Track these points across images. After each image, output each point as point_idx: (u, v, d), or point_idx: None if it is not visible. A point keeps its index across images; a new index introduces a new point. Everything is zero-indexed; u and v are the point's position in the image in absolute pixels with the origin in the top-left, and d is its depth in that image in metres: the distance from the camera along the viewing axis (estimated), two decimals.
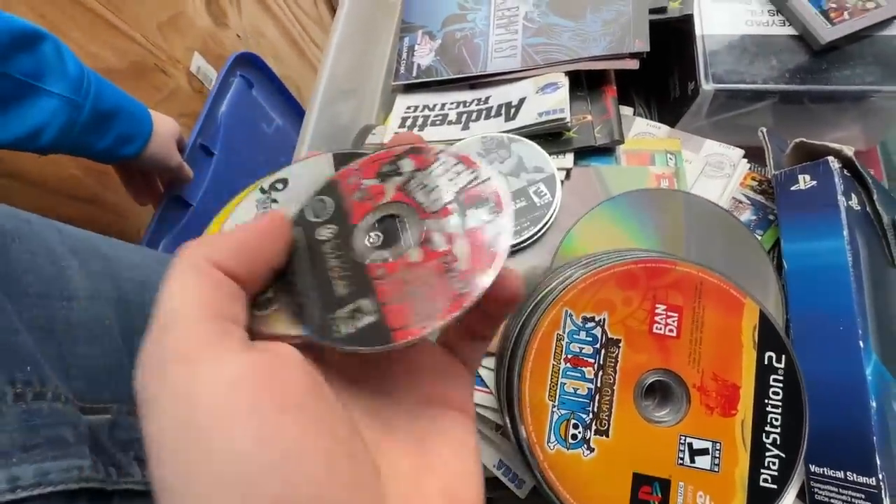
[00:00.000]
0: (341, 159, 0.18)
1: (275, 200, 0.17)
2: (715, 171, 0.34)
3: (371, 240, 0.16)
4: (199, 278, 0.13)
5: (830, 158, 0.29)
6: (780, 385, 0.23)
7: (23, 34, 0.39)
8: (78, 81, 0.42)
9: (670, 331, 0.24)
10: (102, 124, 0.44)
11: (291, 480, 0.11)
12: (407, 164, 0.18)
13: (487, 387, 0.29)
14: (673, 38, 0.39)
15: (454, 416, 0.16)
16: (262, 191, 0.18)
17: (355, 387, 0.16)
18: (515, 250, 0.30)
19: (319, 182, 0.17)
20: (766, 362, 0.24)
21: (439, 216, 0.16)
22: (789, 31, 0.37)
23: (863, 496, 0.23)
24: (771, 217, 0.33)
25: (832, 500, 0.25)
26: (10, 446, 0.23)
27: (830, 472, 0.25)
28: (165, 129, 0.53)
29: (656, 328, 0.24)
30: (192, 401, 0.11)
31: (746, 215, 0.34)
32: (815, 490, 0.25)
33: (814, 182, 0.29)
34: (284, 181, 0.17)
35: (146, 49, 0.71)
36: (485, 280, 0.14)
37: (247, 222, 0.15)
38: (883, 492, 0.23)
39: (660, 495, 0.22)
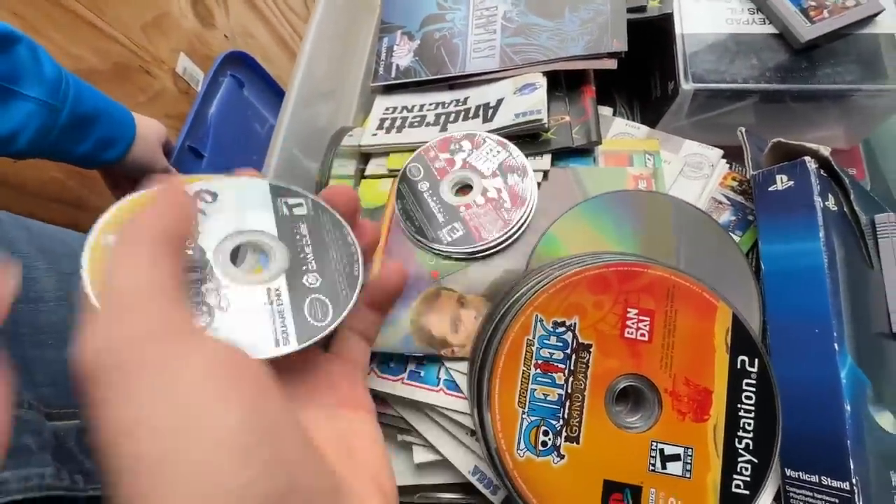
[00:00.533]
0: (276, 191, 0.18)
1: (202, 211, 0.16)
2: (694, 171, 0.34)
3: (454, 191, 0.32)
4: (153, 251, 0.13)
5: (807, 158, 0.28)
6: (753, 389, 0.23)
7: None
8: (55, 84, 0.41)
9: (642, 335, 0.23)
10: (81, 128, 0.44)
11: (279, 446, 0.12)
12: (466, 145, 0.32)
13: (461, 391, 0.28)
14: (653, 37, 0.38)
15: (364, 416, 0.18)
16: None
17: (286, 390, 0.16)
18: (489, 254, 0.30)
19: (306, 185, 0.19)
20: (738, 366, 0.23)
21: (491, 178, 0.31)
22: (770, 29, 0.36)
23: (836, 500, 0.23)
24: (750, 218, 0.33)
25: None
26: None
27: (805, 476, 0.25)
28: (150, 132, 0.53)
29: (628, 332, 0.23)
30: (176, 378, 0.11)
31: (726, 216, 0.33)
32: (791, 494, 0.25)
33: (791, 182, 0.29)
34: (214, 195, 0.17)
35: (130, 50, 0.70)
36: (518, 214, 0.28)
37: (156, 192, 0.14)
38: (856, 496, 0.23)
39: (631, 502, 0.22)
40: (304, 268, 0.17)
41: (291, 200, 0.18)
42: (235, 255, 0.17)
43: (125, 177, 0.56)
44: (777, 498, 0.26)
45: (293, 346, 0.15)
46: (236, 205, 0.17)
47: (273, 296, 0.16)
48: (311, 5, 1.25)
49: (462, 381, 0.28)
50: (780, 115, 0.39)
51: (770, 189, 0.30)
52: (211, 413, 0.11)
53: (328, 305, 0.16)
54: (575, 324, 0.23)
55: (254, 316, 0.15)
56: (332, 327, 0.17)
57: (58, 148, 0.44)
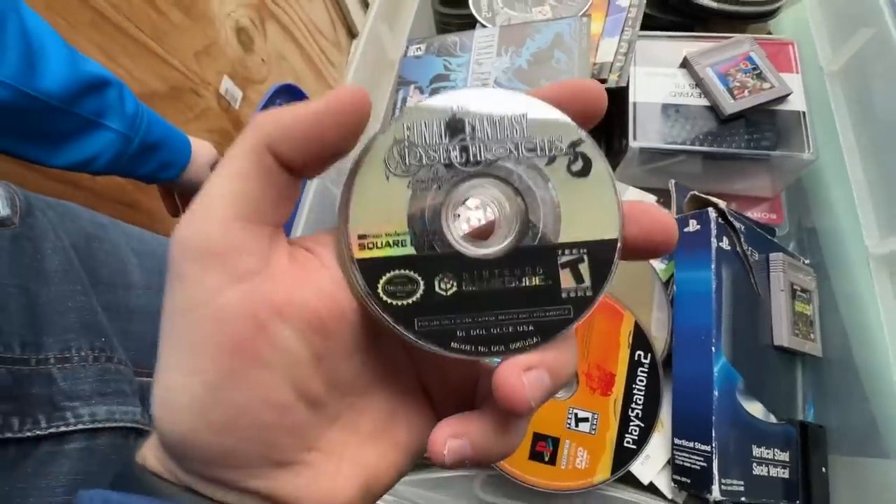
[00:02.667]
0: None
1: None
2: None
3: None
4: (248, 169, 0.13)
5: (710, 209, 0.38)
6: (645, 375, 0.32)
7: (94, 80, 0.48)
8: (133, 119, 0.51)
9: None
10: (148, 154, 0.53)
11: (243, 412, 0.13)
12: None
13: None
14: (614, 102, 0.48)
15: (426, 409, 0.16)
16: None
17: (383, 353, 0.15)
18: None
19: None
20: (636, 358, 0.33)
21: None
22: (704, 102, 0.46)
23: (702, 459, 0.32)
24: (674, 251, 0.42)
25: (685, 463, 0.33)
26: (91, 392, 0.32)
27: (685, 443, 0.34)
28: (203, 156, 0.62)
29: None
30: (192, 306, 0.12)
31: None
32: (676, 456, 0.34)
33: (698, 226, 0.38)
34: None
35: (183, 74, 0.82)
36: None
37: (327, 95, 0.13)
38: (714, 456, 0.32)
39: (551, 448, 0.31)
40: None
41: None
42: None
43: (177, 191, 0.67)
44: (669, 462, 0.35)
45: None
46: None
47: None
48: (339, 29, 1.36)
49: None
50: (718, 167, 0.48)
51: (685, 230, 0.39)
52: (206, 353, 0.12)
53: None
54: None
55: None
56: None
57: (127, 168, 0.53)
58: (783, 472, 0.36)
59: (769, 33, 0.56)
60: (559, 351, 0.13)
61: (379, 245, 0.13)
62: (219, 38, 0.89)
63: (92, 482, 0.31)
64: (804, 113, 0.44)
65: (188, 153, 0.60)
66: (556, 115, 0.14)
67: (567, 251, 0.13)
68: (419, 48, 0.52)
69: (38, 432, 0.29)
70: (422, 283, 0.13)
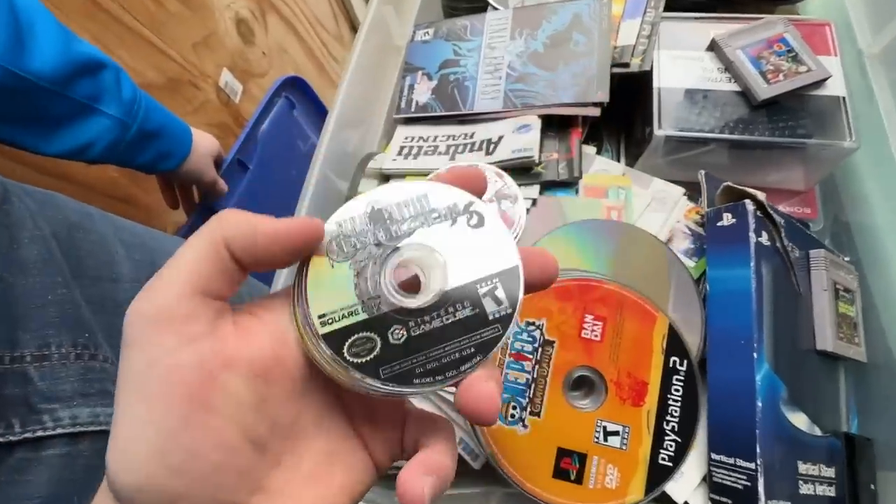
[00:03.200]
0: None
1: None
2: (659, 205, 0.40)
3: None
4: (205, 254, 0.15)
5: (747, 201, 0.35)
6: (681, 384, 0.29)
7: (89, 62, 0.46)
8: (130, 105, 0.49)
9: (595, 336, 0.30)
10: (146, 142, 0.51)
11: (195, 455, 0.14)
12: None
13: None
14: (636, 88, 0.45)
15: (363, 456, 0.18)
16: None
17: (324, 393, 0.17)
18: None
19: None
20: (670, 365, 0.29)
21: (487, 203, 0.22)
22: (734, 87, 0.43)
23: (745, 478, 0.29)
24: (705, 246, 0.39)
25: (724, 481, 0.30)
26: (73, 393, 0.29)
27: (725, 459, 0.30)
28: (204, 147, 0.60)
29: (584, 333, 0.30)
30: (154, 362, 0.14)
31: (686, 244, 0.39)
32: (714, 473, 0.31)
33: (734, 220, 0.35)
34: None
35: (181, 66, 0.79)
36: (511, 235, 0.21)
37: (288, 221, 0.15)
38: (759, 474, 0.28)
39: (577, 465, 0.28)
40: None
41: None
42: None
43: (177, 182, 0.64)
44: (705, 479, 0.32)
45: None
46: None
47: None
48: (341, 22, 1.33)
49: None
50: (747, 158, 0.45)
51: (718, 224, 0.36)
52: (159, 404, 0.14)
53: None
54: (543, 324, 0.30)
55: None
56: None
57: (124, 157, 0.51)
58: (829, 490, 0.32)
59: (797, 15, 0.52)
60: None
61: (337, 318, 0.16)
62: (218, 29, 0.86)
63: (74, 491, 0.28)
64: (844, 98, 0.41)
65: (189, 143, 0.58)
66: (448, 189, 0.17)
67: (483, 284, 0.16)
68: (427, 32, 0.49)
69: (11, 438, 0.27)
70: (378, 339, 0.16)
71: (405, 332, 0.16)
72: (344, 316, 0.16)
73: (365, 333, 0.16)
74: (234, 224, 0.15)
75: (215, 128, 0.89)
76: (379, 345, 0.16)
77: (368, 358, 0.16)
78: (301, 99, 0.86)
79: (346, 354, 0.16)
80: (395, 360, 0.16)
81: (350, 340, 0.16)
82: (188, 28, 0.80)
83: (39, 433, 0.27)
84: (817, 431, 0.33)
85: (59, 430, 0.27)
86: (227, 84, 0.90)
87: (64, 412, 0.28)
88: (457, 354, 0.16)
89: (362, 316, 0.16)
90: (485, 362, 0.16)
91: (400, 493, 0.15)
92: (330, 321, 0.16)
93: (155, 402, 0.14)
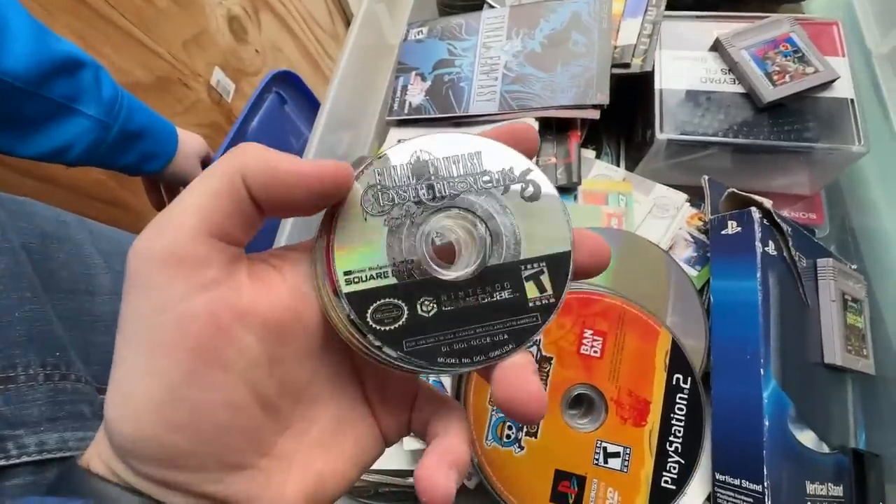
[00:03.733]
0: None
1: None
2: (661, 212, 0.38)
3: None
4: (220, 189, 0.13)
5: (753, 209, 0.33)
6: (685, 403, 0.28)
7: (66, 60, 0.44)
8: (111, 105, 0.47)
9: (595, 352, 0.28)
10: (128, 143, 0.49)
11: (201, 413, 0.13)
12: None
13: (446, 390, 0.33)
14: (636, 89, 0.44)
15: (372, 426, 0.17)
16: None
17: (335, 356, 0.16)
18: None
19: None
20: (674, 383, 0.28)
21: None
22: (738, 88, 0.41)
23: (751, 500, 0.28)
24: (709, 255, 0.37)
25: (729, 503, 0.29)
26: (40, 417, 0.28)
27: (730, 480, 0.29)
28: (191, 148, 0.58)
29: (583, 349, 0.28)
30: (159, 308, 0.13)
31: (688, 252, 0.38)
32: (718, 494, 0.30)
33: (739, 228, 0.34)
34: None
35: (171, 64, 0.77)
36: None
37: (315, 161, 0.14)
38: (766, 497, 0.27)
39: (576, 489, 0.27)
40: None
41: None
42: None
43: (163, 184, 0.62)
44: (708, 499, 0.31)
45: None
46: None
47: None
48: (337, 20, 1.31)
49: (447, 381, 0.34)
50: (750, 162, 0.43)
51: (722, 232, 0.35)
52: (166, 350, 0.13)
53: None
54: (539, 340, 0.28)
55: None
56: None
57: (105, 159, 0.49)
58: None
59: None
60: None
61: (363, 279, 0.14)
62: (209, 26, 0.84)
63: None
64: (852, 100, 0.40)
65: (174, 144, 0.56)
66: (504, 150, 0.16)
67: (529, 266, 0.15)
68: (420, 31, 0.47)
69: None
70: (405, 308, 0.14)
71: (436, 306, 0.15)
72: (371, 277, 0.14)
73: (392, 300, 0.14)
74: (253, 158, 0.13)
75: (207, 128, 0.87)
76: (406, 315, 0.14)
77: (393, 327, 0.14)
78: (293, 94, 0.84)
79: (368, 319, 0.14)
80: (420, 335, 0.14)
81: (375, 305, 0.14)
82: (178, 25, 0.78)
83: (2, 462, 0.25)
84: (825, 448, 0.32)
85: (25, 458, 0.26)
86: (219, 83, 0.88)
87: (30, 438, 0.26)
88: (487, 339, 0.15)
89: (391, 280, 0.14)
90: (517, 352, 0.15)
91: (422, 488, 0.14)
92: (356, 280, 0.14)
93: (159, 352, 0.13)
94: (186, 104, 0.81)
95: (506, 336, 0.15)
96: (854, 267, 0.39)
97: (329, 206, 0.15)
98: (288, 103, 0.83)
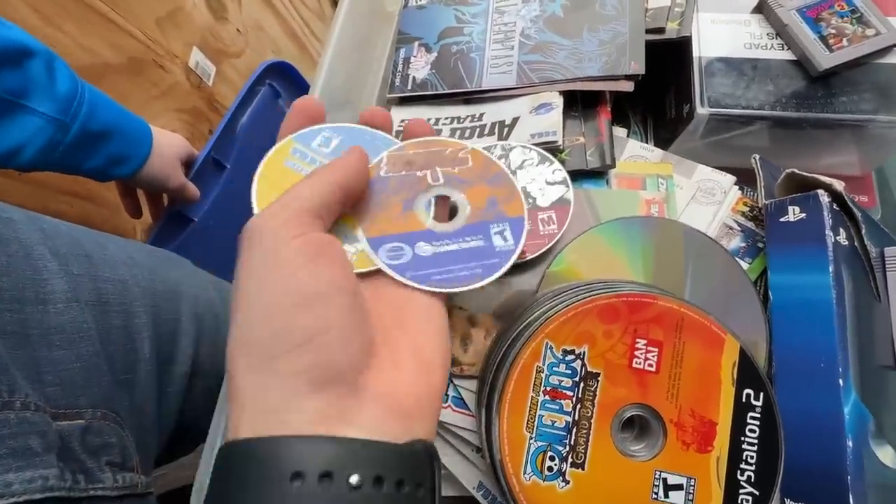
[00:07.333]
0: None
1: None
2: (706, 197, 0.34)
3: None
4: (321, 189, 0.19)
5: (821, 192, 0.29)
6: (758, 423, 0.24)
7: (9, 49, 0.38)
8: (67, 101, 0.41)
9: (649, 365, 0.24)
10: (92, 145, 0.43)
11: (324, 310, 0.17)
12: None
13: (469, 409, 0.29)
14: (670, 57, 0.39)
15: (432, 300, 0.21)
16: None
17: None
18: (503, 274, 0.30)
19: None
20: (743, 399, 0.24)
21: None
22: (788, 55, 0.36)
23: None
24: (760, 245, 0.33)
25: None
26: None
27: None
28: (169, 150, 0.52)
29: (636, 363, 0.24)
30: (274, 253, 0.18)
31: (736, 242, 0.33)
32: None
33: (803, 215, 0.29)
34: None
35: (143, 44, 0.70)
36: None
37: (330, 164, 0.21)
38: None
39: None
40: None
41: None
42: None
43: (141, 189, 0.56)
44: None
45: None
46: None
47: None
48: (324, 1, 1.23)
49: (470, 399, 0.29)
50: (794, 139, 0.39)
51: (782, 220, 0.30)
52: (291, 274, 0.17)
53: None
54: (584, 352, 0.24)
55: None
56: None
57: (65, 163, 0.43)
58: None
59: None
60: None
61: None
62: (185, 3, 0.77)
63: None
64: None
65: (147, 145, 0.49)
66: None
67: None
68: None
69: None
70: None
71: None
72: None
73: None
74: (354, 172, 0.21)
75: (186, 113, 0.80)
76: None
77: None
78: (288, 87, 0.76)
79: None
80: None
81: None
82: (150, 1, 0.71)
83: None
84: None
85: None
86: (199, 65, 0.82)
87: None
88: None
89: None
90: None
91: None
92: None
93: (281, 264, 0.17)
94: (163, 87, 0.75)
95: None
96: None
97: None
98: (283, 96, 0.76)
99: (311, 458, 0.15)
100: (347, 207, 0.21)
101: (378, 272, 0.21)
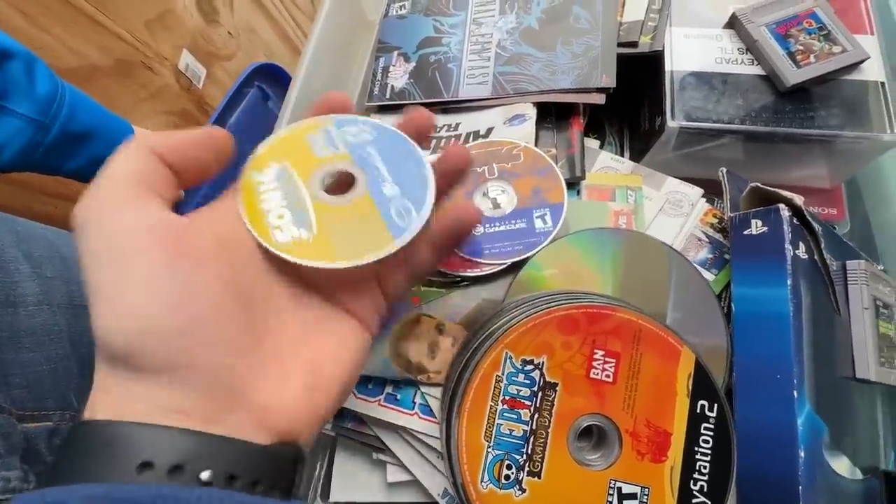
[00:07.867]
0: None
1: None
2: (674, 209, 0.34)
3: None
4: (136, 157, 0.17)
5: (781, 206, 0.29)
6: (711, 434, 0.24)
7: None
8: (47, 102, 0.41)
9: (607, 376, 0.24)
10: (73, 146, 0.43)
11: (186, 294, 0.15)
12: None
13: (435, 416, 0.29)
14: (644, 71, 0.39)
15: (348, 320, 0.20)
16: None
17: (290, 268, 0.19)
18: (470, 284, 0.30)
19: None
20: (698, 410, 0.24)
21: None
22: (758, 70, 0.37)
23: None
24: (726, 256, 0.34)
25: None
26: None
27: None
28: None
29: (593, 373, 0.24)
30: (119, 231, 0.15)
31: (703, 253, 0.34)
32: None
33: (765, 228, 0.30)
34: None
35: (132, 46, 0.71)
36: None
37: (191, 132, 0.18)
38: None
39: None
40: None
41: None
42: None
43: None
44: None
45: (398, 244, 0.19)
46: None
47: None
48: (317, 2, 1.24)
49: (436, 407, 0.29)
50: (765, 152, 0.39)
51: (745, 232, 0.31)
52: (139, 259, 0.15)
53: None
54: (542, 363, 0.24)
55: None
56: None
57: (46, 164, 0.43)
58: None
59: None
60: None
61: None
62: (175, 5, 0.78)
63: None
64: (883, 83, 0.36)
65: None
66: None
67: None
68: (403, 6, 0.42)
69: None
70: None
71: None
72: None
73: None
74: (154, 136, 0.17)
75: (176, 116, 0.81)
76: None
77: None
78: (277, 89, 0.77)
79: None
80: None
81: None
82: (139, 3, 0.71)
83: None
84: (858, 475, 0.29)
85: None
86: (189, 67, 0.82)
87: None
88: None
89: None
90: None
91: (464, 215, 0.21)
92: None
93: (131, 257, 0.15)
94: (151, 90, 0.75)
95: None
96: (881, 268, 0.36)
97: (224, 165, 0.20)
98: (272, 99, 0.76)
99: (163, 449, 0.14)
100: (196, 174, 0.18)
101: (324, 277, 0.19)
